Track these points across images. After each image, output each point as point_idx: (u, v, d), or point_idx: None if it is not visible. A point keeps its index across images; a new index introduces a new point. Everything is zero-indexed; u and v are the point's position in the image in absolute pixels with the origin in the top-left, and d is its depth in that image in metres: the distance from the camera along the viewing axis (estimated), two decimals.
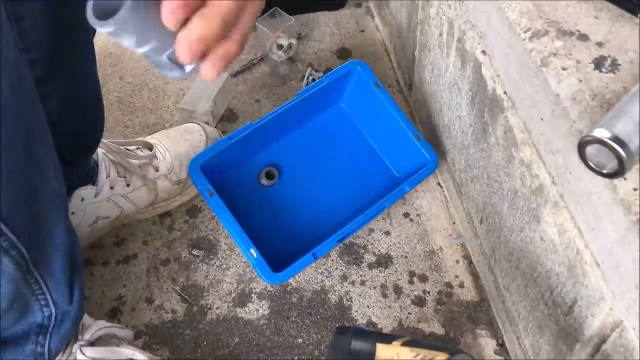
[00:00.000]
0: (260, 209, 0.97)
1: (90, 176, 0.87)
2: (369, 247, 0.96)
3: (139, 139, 1.00)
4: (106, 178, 0.88)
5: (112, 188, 0.90)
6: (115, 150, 0.91)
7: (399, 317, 0.89)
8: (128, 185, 0.92)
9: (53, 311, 0.67)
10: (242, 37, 0.40)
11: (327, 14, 1.25)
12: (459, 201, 0.93)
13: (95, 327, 0.75)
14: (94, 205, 0.88)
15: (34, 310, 0.66)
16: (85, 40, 0.76)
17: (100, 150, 0.89)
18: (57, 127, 0.66)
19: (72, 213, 0.85)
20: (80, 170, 0.86)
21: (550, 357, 0.69)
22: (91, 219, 0.89)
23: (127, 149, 0.94)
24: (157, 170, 0.95)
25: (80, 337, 0.74)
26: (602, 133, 0.43)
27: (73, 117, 0.78)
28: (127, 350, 0.76)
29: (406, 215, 0.99)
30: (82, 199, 0.86)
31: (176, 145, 0.99)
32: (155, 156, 0.95)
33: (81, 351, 0.73)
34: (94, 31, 0.76)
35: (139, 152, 0.95)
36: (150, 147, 0.96)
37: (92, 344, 0.75)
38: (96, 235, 0.94)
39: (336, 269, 0.94)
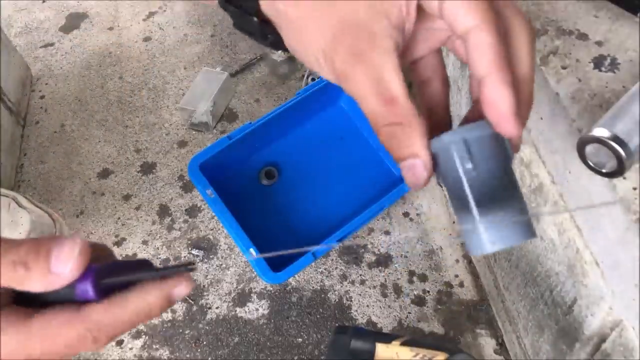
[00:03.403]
0: (260, 208, 0.96)
1: None
2: (369, 246, 0.96)
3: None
4: None
5: None
6: None
7: (399, 317, 0.89)
8: None
9: None
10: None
11: None
12: None
13: None
14: None
15: None
16: None
17: None
18: None
19: None
20: None
21: (550, 357, 0.69)
22: None
23: None
24: None
25: None
26: (601, 132, 0.43)
27: None
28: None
29: (406, 214, 0.99)
30: None
31: None
32: None
33: None
34: None
35: None
36: None
37: None
38: None
39: (336, 268, 0.94)
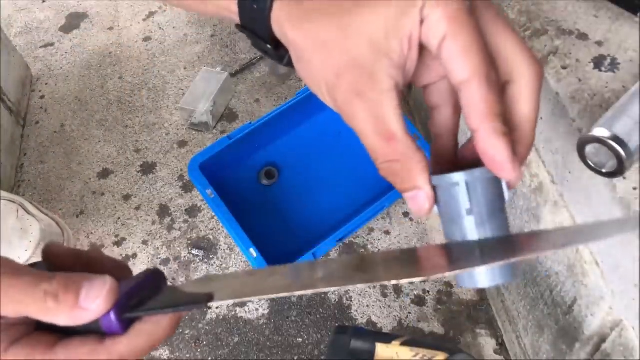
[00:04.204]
0: (260, 208, 0.97)
1: None
2: (369, 246, 0.96)
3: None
4: None
5: None
6: None
7: (399, 317, 0.89)
8: None
9: None
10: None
11: None
12: None
13: None
14: None
15: None
16: None
17: None
18: None
19: None
20: None
21: (550, 357, 0.69)
22: None
23: None
24: None
25: None
26: (601, 132, 0.43)
27: None
28: None
29: (406, 214, 0.99)
30: None
31: None
32: None
33: None
34: None
35: None
36: None
37: None
38: None
39: None
